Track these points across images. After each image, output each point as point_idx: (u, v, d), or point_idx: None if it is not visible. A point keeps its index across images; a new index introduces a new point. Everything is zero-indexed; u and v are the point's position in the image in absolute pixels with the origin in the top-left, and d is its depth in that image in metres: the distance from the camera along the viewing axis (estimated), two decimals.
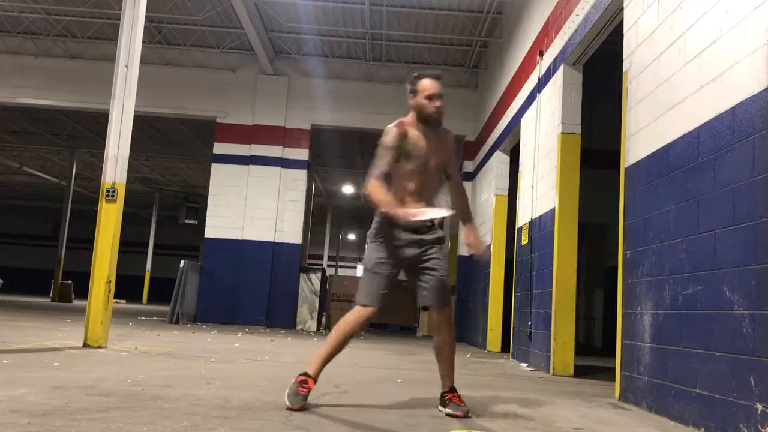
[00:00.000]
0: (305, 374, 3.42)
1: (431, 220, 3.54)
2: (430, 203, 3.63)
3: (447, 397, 3.52)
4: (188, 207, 25.69)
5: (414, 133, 3.55)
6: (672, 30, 4.14)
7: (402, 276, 3.61)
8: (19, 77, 13.19)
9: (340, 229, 34.68)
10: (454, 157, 3.78)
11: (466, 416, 3.40)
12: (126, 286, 19.85)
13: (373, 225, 3.61)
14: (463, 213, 3.83)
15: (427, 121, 3.60)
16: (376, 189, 3.42)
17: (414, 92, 3.64)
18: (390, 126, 3.57)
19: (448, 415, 3.43)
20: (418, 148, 3.53)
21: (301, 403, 3.30)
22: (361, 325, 3.49)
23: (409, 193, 3.54)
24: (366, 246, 3.66)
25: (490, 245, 10.12)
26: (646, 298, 4.23)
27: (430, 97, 3.57)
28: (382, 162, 3.48)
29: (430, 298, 3.53)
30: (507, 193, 10.09)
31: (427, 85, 3.60)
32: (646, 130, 4.44)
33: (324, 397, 3.80)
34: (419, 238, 3.55)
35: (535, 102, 7.79)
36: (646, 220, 4.33)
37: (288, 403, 3.31)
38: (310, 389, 3.38)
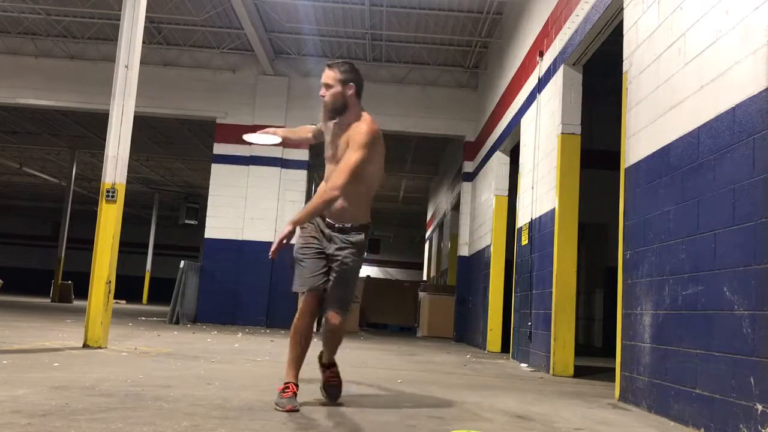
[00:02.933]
0: (285, 383, 3.43)
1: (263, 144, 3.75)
2: (358, 202, 3.62)
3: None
4: (188, 207, 25.68)
5: (326, 125, 3.67)
6: (672, 30, 4.14)
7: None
8: (19, 78, 13.19)
9: None
10: (354, 145, 3.47)
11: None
12: (126, 287, 19.85)
13: None
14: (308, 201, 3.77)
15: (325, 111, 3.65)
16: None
17: None
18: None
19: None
20: (324, 138, 3.69)
21: (291, 404, 3.29)
22: (306, 317, 3.50)
23: (325, 181, 3.59)
24: None
25: (490, 245, 10.12)
26: (646, 299, 4.23)
27: (322, 86, 3.61)
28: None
29: (329, 298, 3.54)
30: (507, 194, 10.09)
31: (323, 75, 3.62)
32: (646, 131, 4.44)
33: (324, 398, 3.80)
34: (334, 234, 3.56)
35: (535, 102, 7.79)
36: (646, 220, 4.33)
37: (279, 408, 3.29)
38: (294, 392, 3.38)
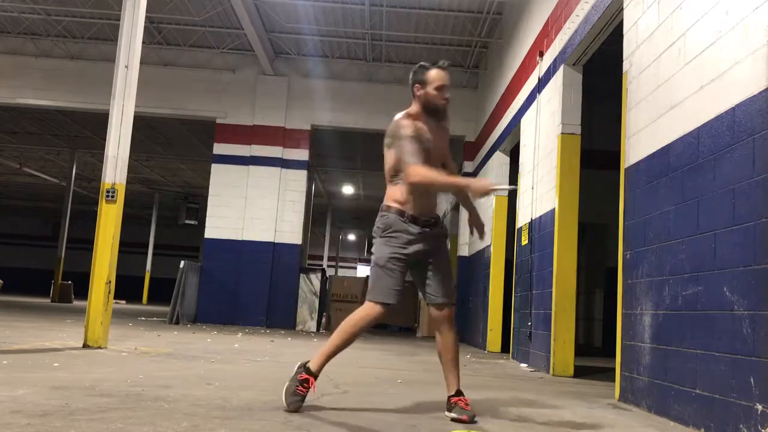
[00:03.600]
0: (308, 371, 3.38)
1: (499, 190, 3.56)
2: (435, 194, 3.65)
3: (452, 401, 3.44)
4: (188, 207, 25.68)
5: (422, 125, 3.52)
6: (672, 30, 4.14)
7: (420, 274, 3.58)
8: (19, 78, 13.19)
9: (340, 230, 34.68)
10: (449, 153, 3.76)
11: (471, 421, 3.31)
12: (126, 287, 19.86)
13: (382, 220, 3.52)
14: (465, 198, 3.84)
15: (435, 113, 3.57)
16: (426, 171, 3.35)
17: (422, 83, 3.56)
18: (400, 118, 3.53)
19: (453, 420, 3.34)
20: (426, 140, 3.48)
21: (297, 405, 3.28)
22: (370, 323, 3.44)
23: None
24: (374, 242, 3.57)
25: (490, 245, 10.12)
26: (646, 299, 4.23)
27: (439, 88, 3.54)
28: (414, 150, 3.39)
29: (437, 292, 3.50)
30: (507, 194, 10.09)
31: (436, 75, 3.54)
32: (646, 131, 4.44)
33: (324, 398, 3.80)
34: (429, 232, 3.51)
35: (535, 102, 7.79)
36: (646, 220, 4.33)
37: (285, 404, 3.28)
38: (308, 390, 3.36)
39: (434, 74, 3.54)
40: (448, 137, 3.75)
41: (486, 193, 3.24)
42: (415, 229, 3.47)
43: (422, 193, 3.50)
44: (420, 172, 3.33)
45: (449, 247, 14.99)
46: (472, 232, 3.75)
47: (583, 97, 6.82)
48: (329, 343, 3.44)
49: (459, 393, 3.47)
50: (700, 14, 3.78)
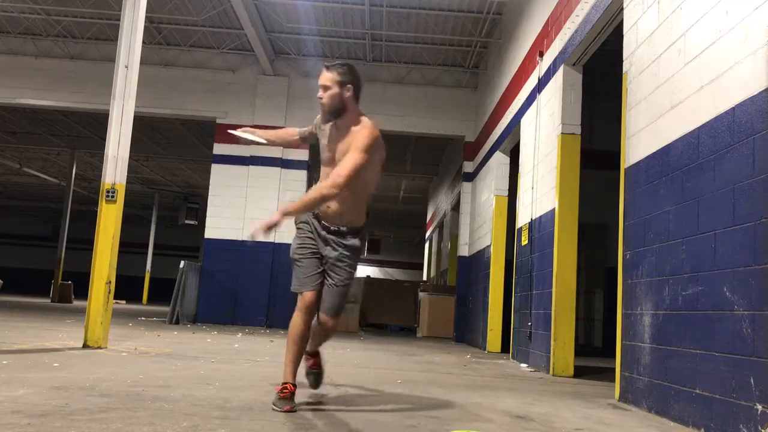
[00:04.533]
0: (283, 383, 3.41)
1: (251, 143, 3.78)
2: (355, 204, 3.60)
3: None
4: (188, 207, 25.67)
5: (322, 128, 3.67)
6: (672, 31, 4.14)
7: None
8: (20, 78, 13.18)
9: None
10: (355, 148, 3.44)
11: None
12: (126, 287, 19.83)
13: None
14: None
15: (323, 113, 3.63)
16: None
17: None
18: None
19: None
20: (316, 140, 3.70)
21: (288, 404, 3.28)
22: (304, 318, 3.49)
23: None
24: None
25: (490, 245, 10.12)
26: (646, 299, 4.23)
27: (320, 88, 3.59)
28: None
29: (324, 303, 3.58)
30: (507, 194, 10.09)
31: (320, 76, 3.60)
32: (646, 131, 4.44)
33: (323, 398, 3.80)
34: (332, 238, 3.56)
35: (535, 102, 7.79)
36: (646, 220, 4.33)
37: (277, 409, 3.28)
38: (292, 392, 3.36)
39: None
40: (341, 139, 3.56)
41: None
42: (316, 225, 3.58)
43: (340, 199, 3.52)
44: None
45: (449, 247, 15.00)
46: None
47: (583, 97, 6.82)
48: (286, 352, 3.52)
49: (316, 354, 3.92)
50: (700, 14, 3.78)
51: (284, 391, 3.36)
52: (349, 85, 3.55)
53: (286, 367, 3.47)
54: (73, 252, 23.19)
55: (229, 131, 3.93)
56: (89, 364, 4.79)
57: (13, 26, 12.96)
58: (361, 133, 3.49)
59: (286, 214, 3.31)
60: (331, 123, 3.60)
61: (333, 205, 3.51)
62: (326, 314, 3.58)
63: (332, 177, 3.38)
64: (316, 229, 3.58)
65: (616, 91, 5.31)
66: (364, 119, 3.59)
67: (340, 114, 3.55)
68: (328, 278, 3.56)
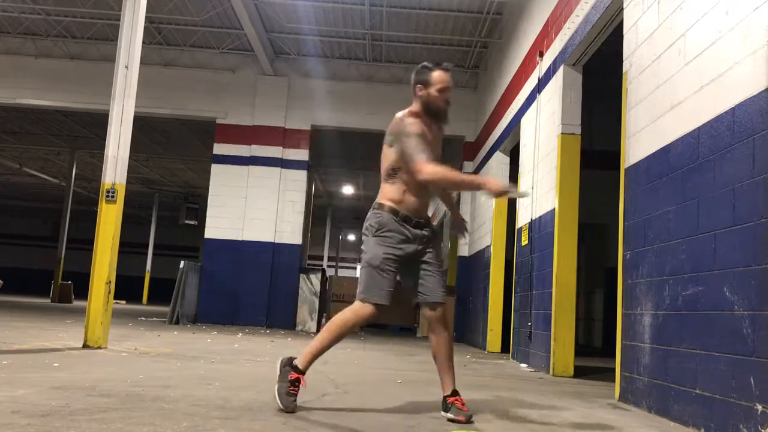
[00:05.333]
0: (296, 369, 3.33)
1: (512, 193, 3.42)
2: (433, 195, 3.65)
3: (449, 401, 3.39)
4: (188, 207, 25.67)
5: (424, 126, 3.49)
6: (672, 31, 4.14)
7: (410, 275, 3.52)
8: (20, 78, 13.19)
9: (340, 230, 34.67)
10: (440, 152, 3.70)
11: (468, 421, 3.27)
12: (126, 287, 19.83)
13: (375, 218, 3.47)
14: (447, 196, 3.94)
15: (435, 115, 3.53)
16: (441, 169, 3.34)
17: (425, 83, 3.51)
18: (405, 116, 3.48)
19: (450, 420, 3.31)
20: (428, 141, 3.45)
21: (293, 406, 3.25)
22: (360, 323, 3.40)
23: (418, 185, 3.44)
24: (365, 240, 3.51)
25: (490, 245, 10.11)
26: (646, 299, 4.23)
27: (441, 90, 3.49)
28: (423, 147, 3.36)
29: (429, 292, 3.45)
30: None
31: (439, 77, 3.49)
32: (646, 131, 4.44)
33: (324, 398, 3.80)
34: (422, 233, 3.48)
35: (535, 102, 7.79)
36: (646, 220, 4.33)
37: (280, 404, 3.24)
38: (299, 388, 3.31)
39: (437, 76, 3.49)
40: (442, 141, 3.70)
41: (501, 193, 3.23)
42: (407, 229, 3.44)
43: (418, 192, 3.47)
44: (434, 169, 3.32)
45: (449, 247, 15.00)
46: (453, 230, 3.73)
47: (583, 97, 6.82)
48: (317, 341, 3.39)
49: (455, 393, 3.42)
50: (700, 14, 3.78)
51: (296, 385, 3.29)
52: None
53: (308, 355, 3.36)
54: (73, 252, 23.18)
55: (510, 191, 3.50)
56: (89, 364, 4.79)
57: (13, 26, 12.96)
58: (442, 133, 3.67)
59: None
60: (431, 122, 3.54)
61: (420, 200, 3.53)
62: (438, 299, 3.47)
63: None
64: (404, 233, 3.46)
65: (616, 91, 5.31)
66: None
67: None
68: (422, 270, 3.49)
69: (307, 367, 3.38)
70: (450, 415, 3.34)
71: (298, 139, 13.07)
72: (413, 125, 3.41)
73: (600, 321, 12.51)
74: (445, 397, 3.43)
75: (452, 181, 3.47)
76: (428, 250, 3.51)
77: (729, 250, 3.28)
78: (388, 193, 3.49)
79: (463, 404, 3.37)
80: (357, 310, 3.38)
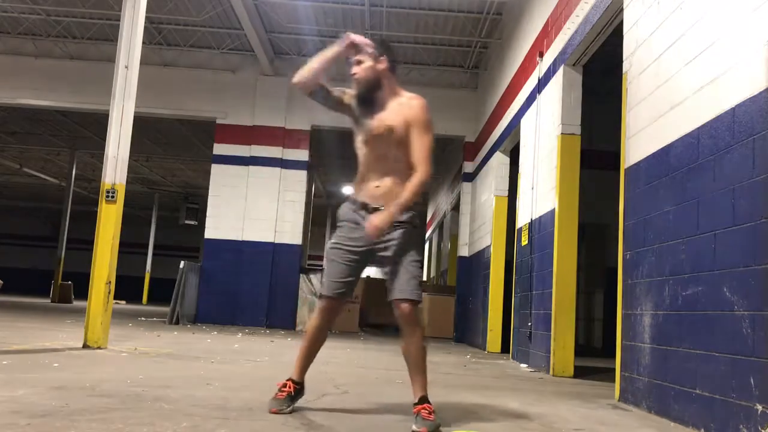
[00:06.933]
0: (288, 379, 3.35)
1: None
2: (396, 184, 3.36)
3: (414, 411, 3.10)
4: (188, 208, 25.66)
5: (358, 109, 3.41)
6: (672, 31, 4.14)
7: (383, 270, 3.28)
8: (19, 78, 13.18)
9: None
10: (422, 127, 3.33)
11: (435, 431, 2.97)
12: (126, 287, 19.81)
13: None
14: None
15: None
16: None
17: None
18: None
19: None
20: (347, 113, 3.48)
21: (278, 407, 3.22)
22: (322, 320, 3.30)
23: (382, 172, 3.35)
24: None
25: (490, 246, 10.12)
26: (646, 299, 4.23)
27: None
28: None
29: (395, 287, 3.15)
30: (507, 194, 10.09)
31: None
32: (646, 131, 4.44)
33: (323, 398, 3.80)
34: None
35: (535, 103, 7.79)
36: (646, 220, 4.33)
37: (268, 408, 3.24)
38: (289, 392, 3.30)
39: None
40: (389, 113, 3.38)
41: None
42: (361, 218, 3.24)
43: (376, 178, 3.28)
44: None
45: (449, 247, 15.00)
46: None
47: (583, 97, 6.82)
48: (299, 349, 3.41)
49: (422, 400, 3.12)
50: (700, 14, 3.78)
51: (282, 389, 3.31)
52: (383, 57, 3.29)
53: (295, 364, 3.36)
54: (73, 252, 23.17)
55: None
56: (89, 364, 4.79)
57: (13, 26, 12.96)
58: (417, 106, 3.25)
59: (403, 208, 3.14)
60: (365, 100, 3.29)
61: (386, 186, 3.28)
62: (400, 295, 3.17)
63: (421, 165, 3.17)
64: (358, 222, 3.28)
65: (616, 91, 5.31)
66: (409, 93, 3.33)
67: (376, 90, 3.29)
68: (390, 259, 3.24)
69: (297, 374, 3.37)
70: (414, 427, 3.00)
71: (298, 139, 13.07)
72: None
73: (600, 321, 12.50)
74: (413, 404, 3.15)
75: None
76: (389, 239, 3.20)
77: (729, 250, 3.28)
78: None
79: (429, 412, 3.05)
80: (317, 307, 3.38)
